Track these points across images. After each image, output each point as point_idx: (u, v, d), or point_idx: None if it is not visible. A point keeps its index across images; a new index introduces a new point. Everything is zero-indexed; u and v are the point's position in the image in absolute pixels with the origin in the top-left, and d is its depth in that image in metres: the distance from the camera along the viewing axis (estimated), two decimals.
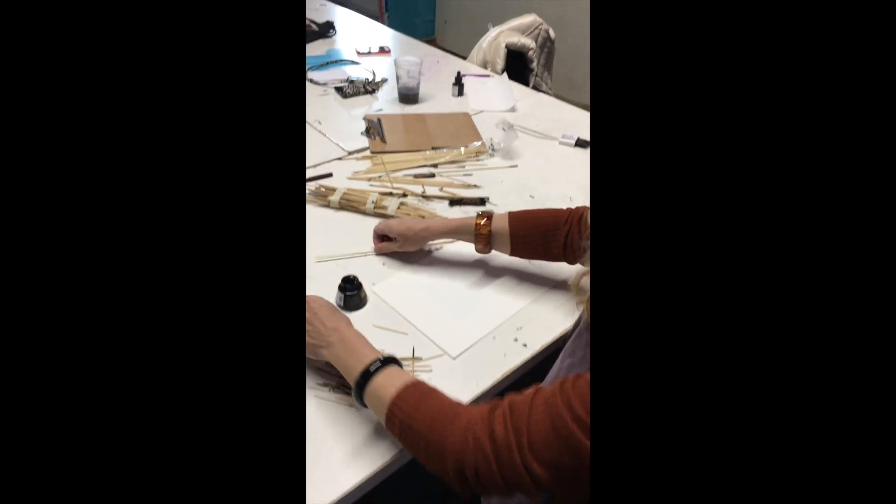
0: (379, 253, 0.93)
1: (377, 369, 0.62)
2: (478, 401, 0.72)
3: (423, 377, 0.73)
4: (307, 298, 0.72)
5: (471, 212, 1.05)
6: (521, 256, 0.87)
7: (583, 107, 1.51)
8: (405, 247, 0.91)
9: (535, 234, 0.82)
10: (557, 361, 0.68)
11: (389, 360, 0.63)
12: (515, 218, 0.84)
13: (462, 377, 0.74)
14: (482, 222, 0.84)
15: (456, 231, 0.87)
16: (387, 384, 0.60)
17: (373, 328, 0.80)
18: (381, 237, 0.92)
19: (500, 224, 0.84)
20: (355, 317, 0.82)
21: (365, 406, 0.64)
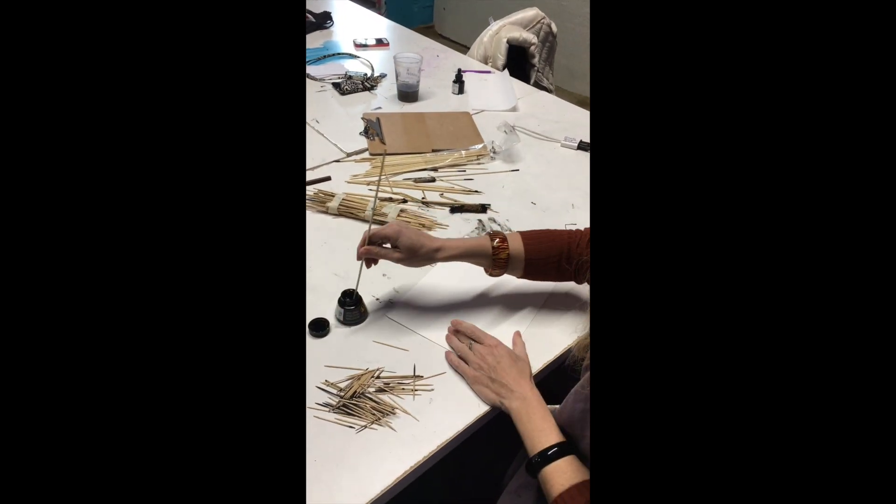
0: (366, 256, 0.78)
1: (555, 455, 0.64)
2: (482, 419, 0.72)
3: (425, 396, 0.72)
4: (492, 343, 0.77)
5: (472, 219, 1.03)
6: (532, 279, 0.84)
7: (584, 100, 1.49)
8: (406, 262, 0.78)
9: (552, 256, 0.79)
10: (570, 402, 0.66)
11: (567, 448, 0.64)
12: (529, 239, 0.80)
13: (461, 398, 0.73)
14: (500, 244, 0.78)
15: (470, 254, 0.79)
16: (559, 476, 0.62)
17: (372, 343, 0.79)
18: (377, 242, 0.78)
19: (515, 246, 0.79)
20: (355, 332, 0.81)
21: (533, 476, 0.65)
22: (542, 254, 0.79)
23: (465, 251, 0.79)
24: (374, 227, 0.78)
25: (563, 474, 0.62)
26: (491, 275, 0.82)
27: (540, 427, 0.66)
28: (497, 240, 0.79)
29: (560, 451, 0.64)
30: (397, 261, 0.78)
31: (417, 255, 0.77)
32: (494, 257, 0.79)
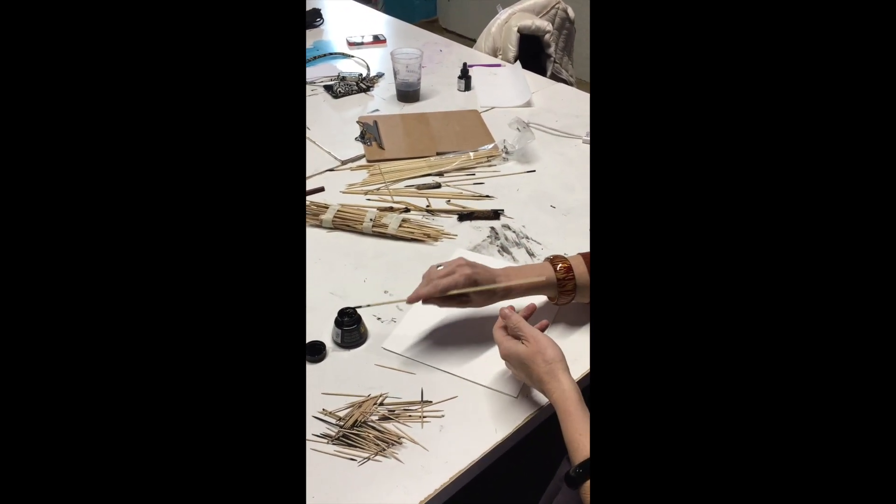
0: (431, 304, 0.81)
1: None
2: (501, 447, 0.72)
3: (435, 423, 0.73)
4: (535, 335, 0.73)
5: (483, 227, 1.05)
6: None
7: None
8: (477, 306, 0.83)
9: None
10: None
11: None
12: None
13: (475, 424, 0.74)
14: (566, 275, 0.81)
15: (537, 289, 0.83)
16: None
17: (374, 367, 0.80)
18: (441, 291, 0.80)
19: (580, 272, 0.82)
20: (355, 355, 0.82)
21: (572, 486, 0.64)
22: None
23: (532, 286, 0.83)
24: (442, 281, 0.79)
25: None
26: (558, 304, 0.86)
27: (579, 426, 0.66)
28: (560, 265, 0.82)
29: None
30: (468, 306, 0.82)
31: (490, 301, 0.82)
32: (561, 290, 0.82)
